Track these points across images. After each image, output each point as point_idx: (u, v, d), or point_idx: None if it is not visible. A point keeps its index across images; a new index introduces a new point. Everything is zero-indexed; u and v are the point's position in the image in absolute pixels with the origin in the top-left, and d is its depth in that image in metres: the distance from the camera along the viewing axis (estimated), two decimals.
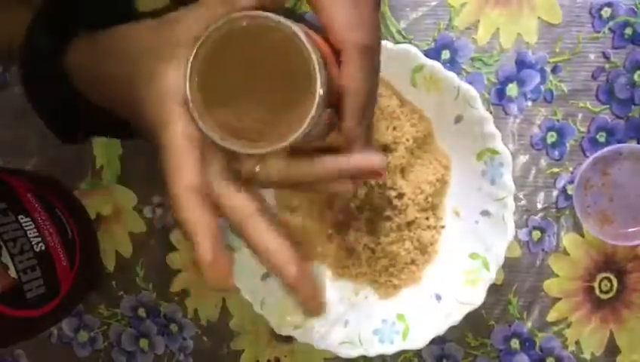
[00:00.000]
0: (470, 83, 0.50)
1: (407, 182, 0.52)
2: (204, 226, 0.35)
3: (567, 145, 0.53)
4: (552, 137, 0.53)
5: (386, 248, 0.52)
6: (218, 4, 0.36)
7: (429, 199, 0.52)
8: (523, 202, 0.53)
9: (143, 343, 0.59)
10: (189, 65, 0.35)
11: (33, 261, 0.50)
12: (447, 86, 0.49)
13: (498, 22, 0.52)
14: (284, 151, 0.36)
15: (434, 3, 0.53)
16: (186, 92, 0.35)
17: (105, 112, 0.43)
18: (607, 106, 0.52)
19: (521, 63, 0.52)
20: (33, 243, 0.51)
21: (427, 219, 0.52)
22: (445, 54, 0.53)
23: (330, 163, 0.38)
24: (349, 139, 0.38)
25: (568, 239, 0.53)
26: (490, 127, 0.49)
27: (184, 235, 0.36)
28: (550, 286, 0.53)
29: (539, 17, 0.52)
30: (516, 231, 0.52)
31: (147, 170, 0.56)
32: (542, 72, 0.52)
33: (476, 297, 0.50)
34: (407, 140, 0.51)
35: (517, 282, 0.54)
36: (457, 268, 0.52)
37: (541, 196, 0.53)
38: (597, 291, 0.53)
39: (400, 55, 0.49)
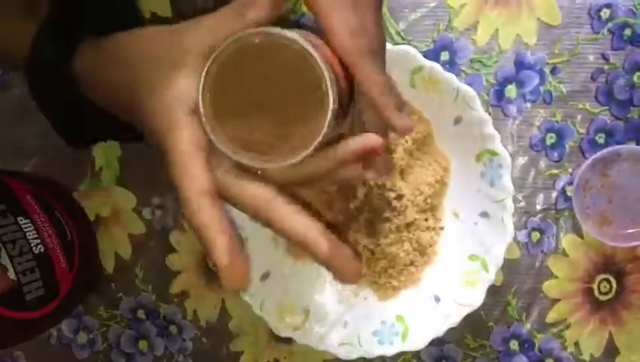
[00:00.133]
0: (469, 84, 0.50)
1: (406, 183, 0.52)
2: (219, 229, 0.35)
3: (567, 146, 0.53)
4: (551, 138, 0.53)
5: (385, 249, 0.52)
6: (230, 16, 0.37)
7: (429, 200, 0.52)
8: (522, 203, 0.53)
9: (143, 345, 0.59)
10: (202, 78, 0.36)
11: (32, 262, 0.50)
12: (447, 87, 0.49)
13: (497, 23, 0.52)
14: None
15: (433, 4, 0.53)
16: (198, 105, 0.36)
17: (110, 116, 0.43)
18: (607, 108, 0.52)
19: (520, 64, 0.52)
20: (32, 244, 0.51)
21: (426, 220, 0.52)
22: (444, 55, 0.53)
23: (331, 155, 0.37)
24: (400, 128, 0.38)
25: (567, 240, 0.53)
26: (490, 128, 0.49)
27: (199, 240, 0.36)
28: (549, 287, 0.53)
29: (538, 18, 0.52)
30: (515, 233, 0.51)
31: (146, 172, 0.56)
32: (541, 73, 0.52)
33: (475, 298, 0.50)
34: (406, 142, 0.51)
35: (516, 283, 0.54)
36: (456, 270, 0.52)
37: (540, 197, 0.53)
38: (596, 292, 0.53)
39: (399, 56, 0.49)
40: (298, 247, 0.37)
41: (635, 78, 0.51)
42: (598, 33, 0.52)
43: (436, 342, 0.53)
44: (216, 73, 0.36)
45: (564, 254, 0.53)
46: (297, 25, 0.43)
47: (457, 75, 0.50)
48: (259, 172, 0.37)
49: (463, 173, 0.52)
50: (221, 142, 0.36)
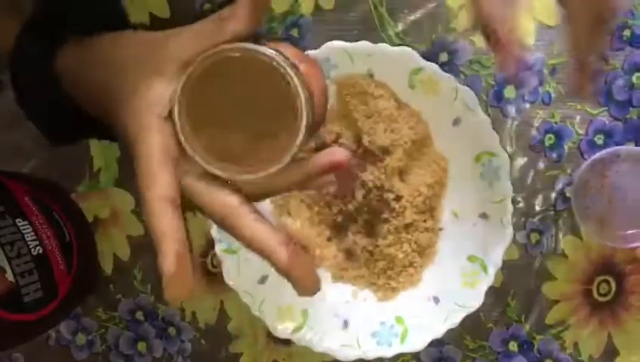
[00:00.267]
0: (468, 85, 0.50)
1: (405, 184, 0.52)
2: (173, 237, 0.35)
3: (566, 147, 0.53)
4: (550, 139, 0.53)
5: (384, 250, 0.52)
6: (210, 28, 0.37)
7: (427, 201, 0.52)
8: (521, 204, 0.53)
9: (141, 346, 0.59)
10: (179, 88, 0.36)
11: (30, 264, 0.50)
12: (445, 88, 0.49)
13: None
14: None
15: (432, 5, 0.53)
16: (174, 113, 0.36)
17: (92, 116, 0.43)
18: (605, 108, 0.52)
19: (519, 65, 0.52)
20: (30, 246, 0.51)
21: (425, 221, 0.52)
22: (443, 57, 0.53)
23: (301, 169, 0.38)
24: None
25: (567, 242, 0.53)
26: (488, 129, 0.49)
27: (154, 244, 0.36)
28: (548, 288, 0.53)
29: (536, 19, 0.52)
30: (514, 234, 0.51)
31: None
32: (540, 74, 0.52)
33: (474, 300, 0.50)
34: (405, 143, 0.51)
35: (515, 285, 0.54)
36: (455, 271, 0.52)
37: (539, 198, 0.53)
38: (595, 294, 0.53)
39: (398, 57, 0.49)
40: (260, 256, 0.37)
41: (634, 78, 0.51)
42: None
43: (435, 343, 0.53)
44: (193, 84, 0.36)
45: (564, 255, 0.53)
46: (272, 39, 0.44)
47: (456, 76, 0.50)
48: (228, 181, 0.38)
49: (461, 174, 0.52)
50: (194, 151, 0.36)
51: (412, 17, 0.53)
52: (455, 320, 0.51)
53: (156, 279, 0.58)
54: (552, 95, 0.52)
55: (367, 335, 0.52)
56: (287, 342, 0.55)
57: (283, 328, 0.52)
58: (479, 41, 0.53)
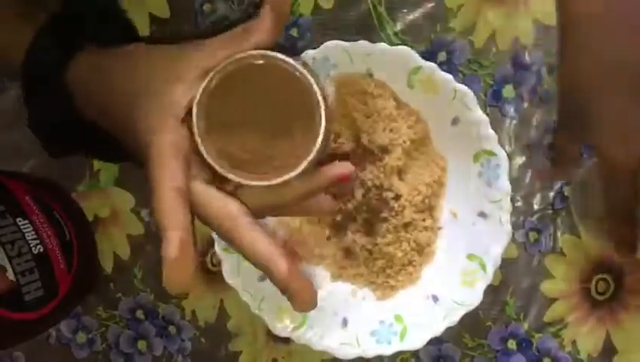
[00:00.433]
0: (467, 85, 0.50)
1: (404, 183, 0.52)
2: (179, 222, 0.35)
3: None
4: (548, 139, 0.53)
5: (384, 249, 0.52)
6: (233, 39, 0.38)
7: (426, 200, 0.52)
8: (520, 203, 0.53)
9: (142, 345, 0.59)
10: (200, 92, 0.37)
11: (31, 263, 0.50)
12: (444, 88, 0.49)
13: (495, 24, 0.52)
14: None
15: (430, 5, 0.53)
16: (192, 116, 0.37)
17: (98, 131, 0.44)
18: None
19: (518, 65, 0.52)
20: (31, 245, 0.51)
21: (424, 220, 0.52)
22: (442, 56, 0.53)
23: (312, 180, 0.39)
24: None
25: (565, 240, 0.53)
26: (487, 128, 0.49)
27: (159, 232, 0.36)
28: (547, 287, 0.53)
29: (535, 19, 0.52)
30: (513, 233, 0.52)
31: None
32: (538, 73, 0.52)
33: (473, 298, 0.50)
34: (404, 142, 0.51)
35: (514, 283, 0.54)
36: (454, 269, 0.52)
37: (538, 197, 0.53)
38: (593, 292, 0.53)
39: (397, 57, 0.49)
40: (258, 267, 0.38)
41: None
42: None
43: (434, 342, 0.53)
44: (213, 89, 0.37)
45: (562, 254, 0.53)
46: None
47: (455, 76, 0.50)
48: (237, 188, 0.38)
49: (460, 173, 0.52)
50: (209, 156, 0.37)
51: (411, 17, 0.53)
52: (454, 318, 0.51)
53: (156, 278, 0.58)
54: (551, 94, 0.52)
55: (366, 333, 0.52)
56: (286, 341, 0.55)
57: (283, 326, 0.52)
58: (478, 40, 0.53)
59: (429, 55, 0.53)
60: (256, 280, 0.52)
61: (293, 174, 0.37)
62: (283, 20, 0.39)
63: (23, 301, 0.49)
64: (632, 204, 0.42)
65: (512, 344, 0.54)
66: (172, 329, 0.58)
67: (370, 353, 0.52)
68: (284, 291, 0.38)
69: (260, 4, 0.38)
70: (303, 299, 0.38)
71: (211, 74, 0.37)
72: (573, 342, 0.53)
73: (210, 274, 0.56)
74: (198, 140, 0.37)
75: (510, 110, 0.53)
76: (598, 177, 0.44)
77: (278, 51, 0.38)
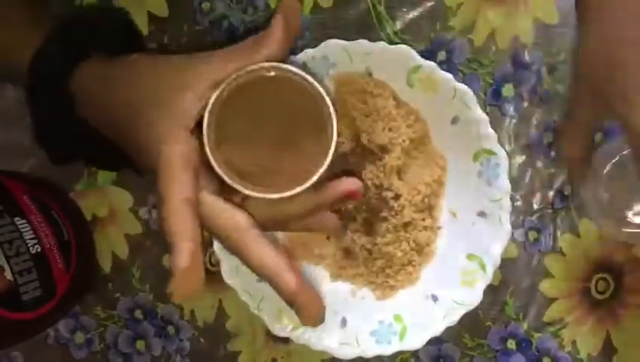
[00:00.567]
0: (466, 84, 0.50)
1: (403, 183, 0.52)
2: (189, 233, 0.36)
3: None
4: (548, 138, 0.53)
5: (383, 249, 0.52)
6: (244, 50, 0.39)
7: (426, 200, 0.52)
8: (519, 202, 0.53)
9: (140, 345, 0.59)
10: (212, 101, 0.37)
11: (29, 263, 0.50)
12: (444, 87, 0.49)
13: (494, 22, 0.52)
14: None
15: (430, 4, 0.53)
16: (203, 127, 0.37)
17: (99, 139, 0.44)
18: None
19: (518, 64, 0.52)
20: (29, 245, 0.51)
21: (423, 220, 0.52)
22: (441, 55, 0.53)
23: (311, 199, 0.39)
24: None
25: (564, 239, 0.53)
26: (487, 128, 0.49)
27: (168, 244, 0.36)
28: (546, 286, 0.53)
29: (535, 18, 0.52)
30: (513, 232, 0.52)
31: None
32: (538, 72, 0.52)
33: (473, 298, 0.50)
34: (404, 141, 0.51)
35: (513, 283, 0.54)
36: (454, 269, 0.52)
37: (537, 197, 0.53)
38: (593, 291, 0.53)
39: (396, 56, 0.49)
40: (265, 280, 0.38)
41: None
42: None
43: (434, 342, 0.53)
44: (225, 99, 0.37)
45: (562, 253, 0.53)
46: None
47: (454, 75, 0.50)
48: (245, 199, 0.38)
49: (460, 172, 0.52)
50: (219, 166, 0.37)
51: (410, 16, 0.53)
52: (453, 318, 0.51)
53: (155, 278, 0.58)
54: (551, 93, 0.52)
55: (366, 333, 0.52)
56: (285, 341, 0.55)
57: (282, 326, 0.52)
58: (477, 39, 0.53)
59: (428, 54, 0.53)
60: (255, 281, 0.52)
61: (304, 187, 0.37)
62: (293, 32, 0.39)
63: (21, 301, 0.49)
64: None
65: (511, 344, 0.54)
66: (171, 329, 0.58)
67: (370, 353, 0.52)
68: (291, 305, 0.38)
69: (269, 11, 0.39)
70: (310, 313, 0.38)
71: (223, 85, 0.37)
72: (573, 342, 0.53)
73: (209, 273, 0.56)
74: (208, 151, 0.37)
75: (510, 109, 0.53)
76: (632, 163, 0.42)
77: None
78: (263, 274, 0.38)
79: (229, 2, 0.55)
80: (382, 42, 0.49)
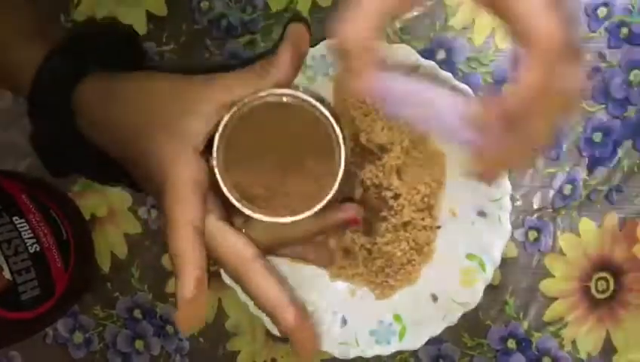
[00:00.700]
0: (466, 83, 0.50)
1: (402, 182, 0.51)
2: (196, 260, 0.36)
3: (564, 145, 0.53)
4: None
5: (382, 248, 0.52)
6: (252, 75, 0.39)
7: (425, 199, 0.52)
8: (519, 202, 0.53)
9: (139, 344, 0.58)
10: (223, 125, 0.38)
11: (28, 262, 0.50)
12: (444, 86, 0.49)
13: (494, 22, 0.52)
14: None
15: (430, 3, 0.53)
16: (213, 150, 0.37)
17: (100, 154, 0.44)
18: (603, 106, 0.52)
19: (517, 63, 0.52)
20: (28, 244, 0.50)
21: (423, 219, 0.52)
22: (441, 54, 0.53)
23: (315, 223, 0.40)
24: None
25: (564, 239, 0.53)
26: None
27: (173, 268, 0.37)
28: (546, 286, 0.53)
29: None
30: (512, 232, 0.51)
31: None
32: None
33: (473, 297, 0.50)
34: (403, 141, 0.51)
35: (513, 282, 0.54)
36: (454, 269, 0.52)
37: (537, 196, 0.53)
38: (593, 291, 0.53)
39: (396, 55, 0.49)
40: (265, 312, 0.38)
41: (631, 76, 0.51)
42: (594, 32, 0.52)
43: (433, 341, 0.53)
44: (235, 123, 0.38)
45: (561, 253, 0.53)
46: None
47: (454, 74, 0.50)
48: (243, 230, 0.39)
49: (460, 172, 0.52)
50: (228, 189, 0.37)
51: (410, 15, 0.53)
52: (453, 318, 0.51)
53: (154, 277, 0.58)
54: None
55: (365, 333, 0.52)
56: (285, 340, 0.55)
57: None
58: (477, 38, 0.53)
59: (428, 53, 0.52)
60: None
61: (313, 211, 0.37)
62: (302, 58, 0.39)
63: (20, 300, 0.49)
64: None
65: (511, 343, 0.54)
66: (170, 328, 0.58)
67: (370, 352, 0.52)
68: (288, 337, 0.38)
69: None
70: (305, 350, 0.38)
71: (234, 108, 0.38)
72: (573, 342, 0.53)
73: (208, 273, 0.56)
74: (218, 174, 0.37)
75: None
76: None
77: None
78: (263, 308, 0.38)
79: (227, 1, 0.54)
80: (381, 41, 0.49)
